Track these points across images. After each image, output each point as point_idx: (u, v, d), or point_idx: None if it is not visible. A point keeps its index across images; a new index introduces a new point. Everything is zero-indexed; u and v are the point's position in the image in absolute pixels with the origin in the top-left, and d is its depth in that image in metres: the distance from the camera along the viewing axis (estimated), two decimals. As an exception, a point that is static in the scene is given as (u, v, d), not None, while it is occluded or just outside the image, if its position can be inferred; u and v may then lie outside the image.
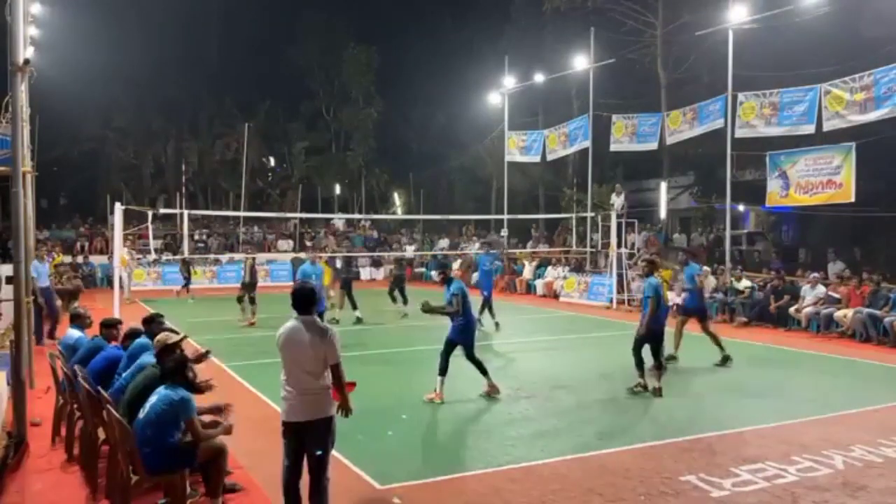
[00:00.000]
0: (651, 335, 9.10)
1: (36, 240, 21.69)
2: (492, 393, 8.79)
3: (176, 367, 5.29)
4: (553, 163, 28.56)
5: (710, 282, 17.52)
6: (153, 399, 5.14)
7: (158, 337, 5.81)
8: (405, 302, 16.64)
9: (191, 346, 7.66)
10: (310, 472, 4.83)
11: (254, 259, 17.80)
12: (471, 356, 8.77)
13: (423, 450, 6.84)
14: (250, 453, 6.30)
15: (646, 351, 9.15)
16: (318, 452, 4.80)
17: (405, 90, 40.23)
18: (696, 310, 11.40)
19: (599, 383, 9.81)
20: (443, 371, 8.61)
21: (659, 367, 9.12)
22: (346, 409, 4.98)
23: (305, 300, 4.92)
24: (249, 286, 15.97)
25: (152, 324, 6.57)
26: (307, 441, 4.82)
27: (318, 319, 4.98)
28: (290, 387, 4.88)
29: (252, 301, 15.77)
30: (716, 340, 11.13)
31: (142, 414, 5.12)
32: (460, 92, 33.31)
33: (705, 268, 18.40)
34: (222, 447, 5.31)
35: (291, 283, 25.22)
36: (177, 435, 5.10)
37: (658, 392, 8.92)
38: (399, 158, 41.27)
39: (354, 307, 15.90)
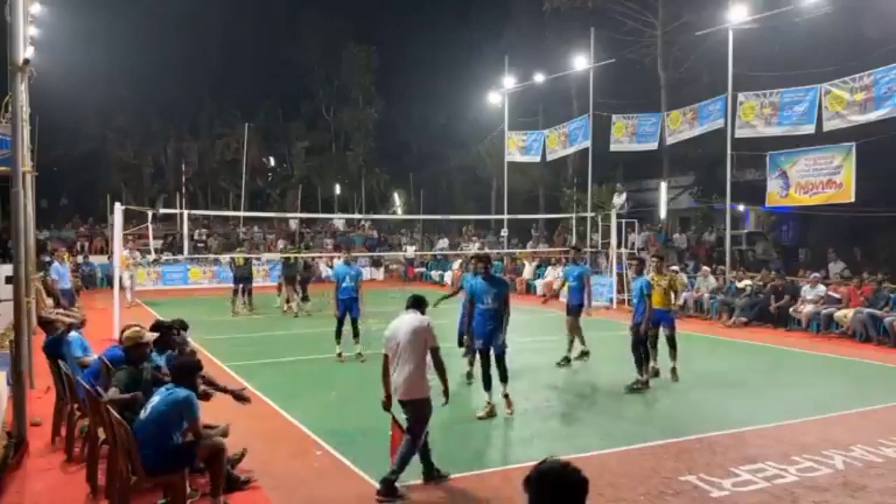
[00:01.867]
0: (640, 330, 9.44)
1: (46, 240, 21.77)
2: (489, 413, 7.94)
3: (188, 369, 5.27)
4: (553, 163, 28.51)
5: (711, 282, 17.54)
6: (155, 399, 5.12)
7: (128, 333, 5.85)
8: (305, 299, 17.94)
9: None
10: (407, 432, 5.77)
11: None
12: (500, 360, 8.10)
13: (423, 450, 6.83)
14: (250, 453, 6.29)
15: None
16: (415, 430, 5.72)
17: (405, 90, 40.23)
18: (577, 306, 11.35)
19: (599, 383, 9.81)
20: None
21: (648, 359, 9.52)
22: (445, 393, 5.86)
23: (417, 300, 6.12)
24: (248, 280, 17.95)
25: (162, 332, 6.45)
26: (408, 414, 5.79)
27: (418, 311, 5.99)
28: (396, 370, 5.83)
29: (249, 293, 17.75)
30: (579, 336, 11.21)
31: (143, 414, 5.10)
32: (460, 92, 33.31)
33: (705, 267, 18.44)
34: (221, 446, 5.31)
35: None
36: (177, 435, 5.08)
37: (646, 383, 9.32)
38: (399, 158, 41.29)
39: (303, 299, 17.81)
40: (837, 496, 5.64)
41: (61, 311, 8.58)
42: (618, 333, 12.45)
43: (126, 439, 4.93)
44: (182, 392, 5.08)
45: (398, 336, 5.87)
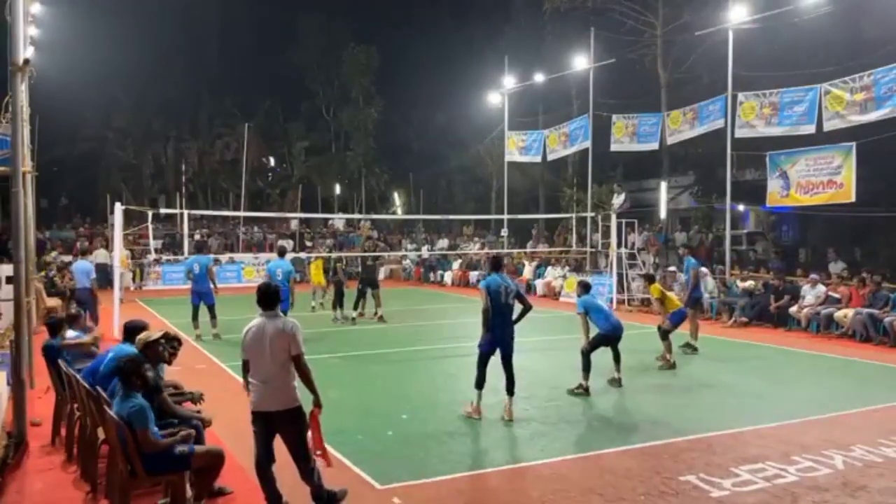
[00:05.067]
0: (605, 340, 9.43)
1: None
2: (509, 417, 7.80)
3: (129, 370, 5.11)
4: (553, 163, 28.52)
5: (710, 282, 17.51)
6: (115, 404, 5.07)
7: (140, 336, 5.82)
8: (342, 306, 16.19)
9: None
10: (294, 460, 5.19)
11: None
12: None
13: (423, 450, 6.84)
14: (249, 453, 6.28)
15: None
16: (296, 447, 5.15)
17: (405, 90, 40.20)
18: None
19: (599, 383, 9.79)
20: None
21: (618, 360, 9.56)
22: (316, 403, 5.21)
23: (267, 297, 5.24)
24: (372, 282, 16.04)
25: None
26: (279, 431, 5.18)
27: (280, 314, 5.25)
28: (258, 379, 5.16)
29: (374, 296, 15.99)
30: None
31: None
32: (460, 92, 33.29)
33: (702, 269, 18.40)
34: (220, 455, 5.29)
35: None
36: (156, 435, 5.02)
37: (618, 382, 9.47)
38: (399, 158, 41.25)
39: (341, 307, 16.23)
40: (837, 496, 5.64)
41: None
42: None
43: (128, 439, 4.93)
44: (132, 401, 4.95)
45: (258, 341, 5.11)
